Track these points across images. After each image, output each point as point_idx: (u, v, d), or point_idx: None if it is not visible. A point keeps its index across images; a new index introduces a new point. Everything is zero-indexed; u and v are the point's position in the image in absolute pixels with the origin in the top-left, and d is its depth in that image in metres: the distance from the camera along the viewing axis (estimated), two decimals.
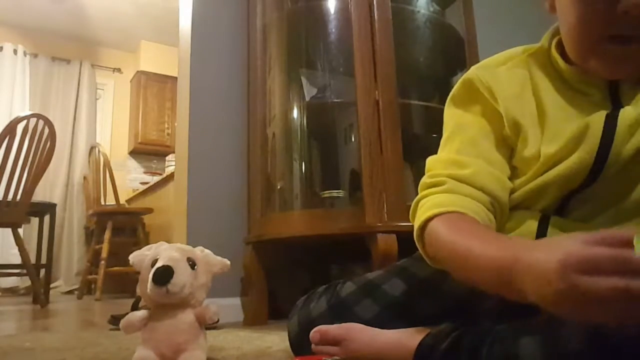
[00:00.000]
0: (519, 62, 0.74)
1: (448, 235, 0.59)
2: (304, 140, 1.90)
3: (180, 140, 1.99)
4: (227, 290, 1.77)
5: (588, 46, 0.63)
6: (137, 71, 5.03)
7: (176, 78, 2.20)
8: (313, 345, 0.74)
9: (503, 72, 0.73)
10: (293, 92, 1.98)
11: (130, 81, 5.20)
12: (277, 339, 1.24)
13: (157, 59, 5.05)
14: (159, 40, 5.01)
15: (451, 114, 0.76)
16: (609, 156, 0.61)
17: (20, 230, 2.82)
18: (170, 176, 3.37)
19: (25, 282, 4.12)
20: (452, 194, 0.65)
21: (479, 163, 0.69)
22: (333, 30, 1.90)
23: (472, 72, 0.75)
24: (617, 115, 0.62)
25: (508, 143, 0.71)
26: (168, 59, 4.87)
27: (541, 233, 0.65)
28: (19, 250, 2.72)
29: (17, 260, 3.00)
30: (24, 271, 2.83)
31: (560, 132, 0.65)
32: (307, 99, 1.91)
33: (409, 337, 0.66)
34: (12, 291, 4.24)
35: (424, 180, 0.71)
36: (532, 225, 0.66)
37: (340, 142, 1.87)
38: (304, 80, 1.95)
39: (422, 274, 0.75)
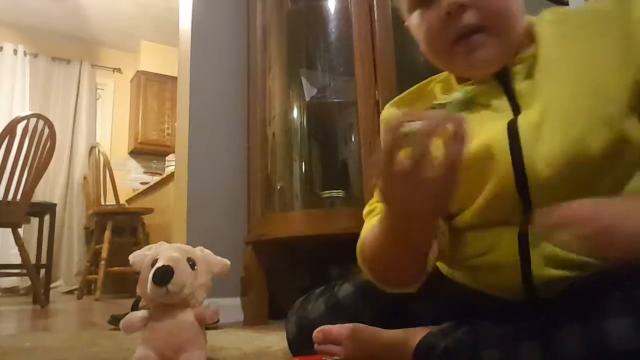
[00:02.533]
0: (423, 95, 0.76)
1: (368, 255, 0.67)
2: (304, 140, 1.90)
3: (180, 140, 1.99)
4: (227, 290, 1.77)
5: (446, 57, 0.66)
6: (137, 71, 5.03)
7: (176, 78, 2.20)
8: (316, 345, 0.74)
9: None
10: (293, 92, 1.98)
11: (130, 81, 5.20)
12: (277, 339, 1.24)
13: (157, 59, 5.05)
14: (159, 40, 5.01)
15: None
16: (526, 168, 0.59)
17: (20, 230, 2.82)
18: (170, 176, 3.37)
19: (25, 282, 4.12)
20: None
21: None
22: (333, 30, 1.90)
23: (387, 110, 0.81)
24: (517, 126, 0.60)
25: None
26: (168, 59, 4.87)
27: (523, 250, 0.60)
28: (19, 250, 2.72)
29: (17, 260, 2.99)
30: (24, 271, 2.82)
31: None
32: (307, 99, 1.91)
33: (411, 337, 0.66)
34: (12, 291, 4.24)
35: (365, 209, 0.76)
36: (512, 244, 0.61)
37: (340, 142, 1.87)
38: (304, 80, 1.95)
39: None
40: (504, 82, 0.65)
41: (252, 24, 2.01)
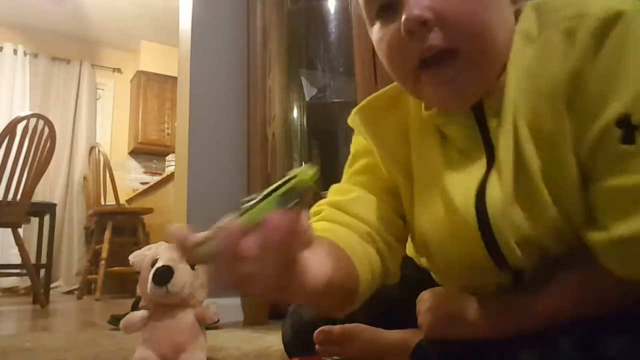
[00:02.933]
0: (398, 104, 0.63)
1: None
2: (304, 140, 1.90)
3: (180, 140, 1.99)
4: (227, 290, 1.77)
5: (409, 85, 0.54)
6: (137, 71, 5.03)
7: (176, 78, 2.20)
8: (317, 346, 0.74)
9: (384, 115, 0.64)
10: (293, 92, 1.98)
11: (130, 81, 5.20)
12: (277, 339, 1.24)
13: (157, 59, 5.05)
14: (159, 40, 5.01)
15: (354, 139, 0.70)
16: (500, 248, 0.51)
17: (20, 230, 2.82)
18: (170, 176, 3.37)
19: (25, 282, 4.11)
20: (325, 221, 0.60)
21: (362, 191, 0.63)
22: (333, 30, 1.90)
23: (352, 118, 0.67)
24: (484, 201, 0.51)
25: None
26: (168, 59, 4.87)
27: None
28: (19, 250, 2.72)
29: (17, 260, 3.00)
30: (24, 271, 2.83)
31: (428, 203, 0.57)
32: (307, 99, 1.91)
33: (410, 338, 0.66)
34: (12, 291, 4.24)
35: (313, 207, 0.66)
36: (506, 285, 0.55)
37: (341, 142, 1.87)
38: (304, 80, 1.95)
39: (417, 275, 0.75)
40: (478, 116, 0.53)
41: (252, 24, 2.01)
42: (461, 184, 0.53)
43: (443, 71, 0.49)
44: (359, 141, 0.68)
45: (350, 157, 0.69)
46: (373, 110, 0.64)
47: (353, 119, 0.65)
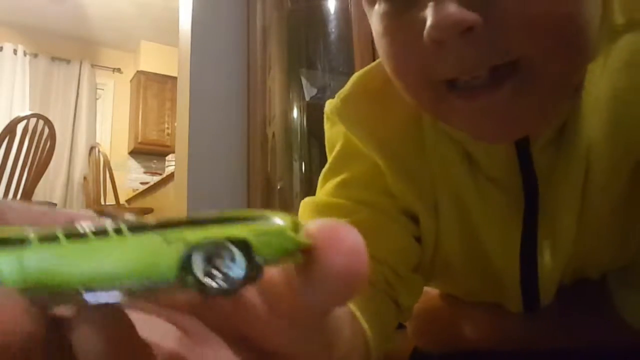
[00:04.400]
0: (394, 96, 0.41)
1: None
2: (304, 140, 1.90)
3: (180, 140, 1.99)
4: None
5: (425, 99, 0.35)
6: (137, 71, 5.02)
7: (176, 78, 2.20)
8: None
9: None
10: (293, 92, 1.98)
11: (130, 81, 5.20)
12: None
13: (157, 59, 5.04)
14: (159, 40, 5.00)
15: (332, 131, 0.48)
16: (539, 299, 0.43)
17: None
18: (170, 176, 3.37)
19: None
20: None
21: (366, 212, 0.42)
22: (333, 30, 1.90)
23: (334, 105, 0.47)
24: (536, 256, 0.41)
25: None
26: (168, 59, 4.87)
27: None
28: None
29: None
30: None
31: (459, 240, 0.43)
32: (307, 99, 1.91)
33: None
34: None
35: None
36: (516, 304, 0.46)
37: None
38: (304, 80, 1.95)
39: None
40: (518, 145, 0.38)
41: (252, 24, 2.01)
42: (500, 232, 0.41)
43: (493, 97, 0.31)
44: (344, 135, 0.45)
45: (333, 158, 0.46)
46: (368, 101, 0.43)
47: (340, 112, 0.44)
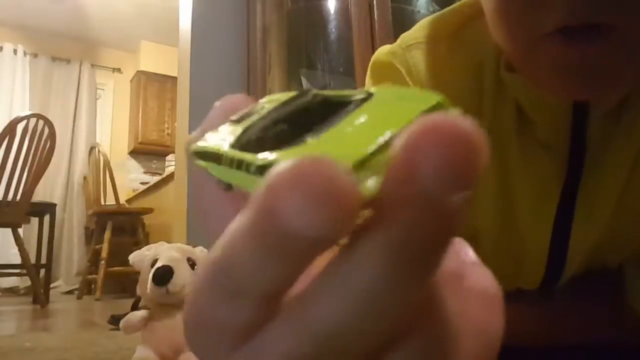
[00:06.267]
0: (465, 34, 0.43)
1: None
2: None
3: (180, 140, 1.99)
4: None
5: (521, 45, 0.34)
6: (137, 71, 5.03)
7: (176, 78, 2.20)
8: None
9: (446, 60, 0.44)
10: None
11: (130, 81, 5.20)
12: None
13: (157, 59, 5.05)
14: (159, 40, 5.00)
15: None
16: (564, 271, 0.44)
17: (20, 230, 2.82)
18: (170, 176, 3.37)
19: (25, 282, 4.11)
20: None
21: None
22: (333, 30, 1.90)
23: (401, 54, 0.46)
24: (569, 226, 0.40)
25: None
26: (168, 59, 4.87)
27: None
28: (19, 250, 2.72)
29: (17, 260, 3.00)
30: (24, 271, 2.83)
31: (486, 209, 0.42)
32: None
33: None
34: (12, 291, 4.23)
35: None
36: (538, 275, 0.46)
37: None
38: (304, 80, 1.95)
39: None
40: (576, 110, 0.38)
41: (252, 24, 2.01)
42: (537, 196, 0.41)
43: (587, 50, 0.31)
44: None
45: None
46: (434, 47, 0.43)
47: (406, 56, 0.43)
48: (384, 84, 0.44)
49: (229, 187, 0.16)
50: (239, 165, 0.13)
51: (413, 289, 0.11)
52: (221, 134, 0.17)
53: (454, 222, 0.10)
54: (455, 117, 0.10)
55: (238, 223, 0.11)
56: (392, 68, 0.45)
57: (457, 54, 0.42)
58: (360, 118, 0.13)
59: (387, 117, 0.12)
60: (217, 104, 0.19)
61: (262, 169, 0.12)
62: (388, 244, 0.10)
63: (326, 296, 0.11)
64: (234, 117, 0.17)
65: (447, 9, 0.44)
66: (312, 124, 0.13)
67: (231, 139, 0.15)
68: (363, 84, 0.51)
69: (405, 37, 0.45)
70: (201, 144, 0.17)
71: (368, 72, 0.49)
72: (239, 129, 0.16)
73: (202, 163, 0.16)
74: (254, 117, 0.16)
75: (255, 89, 1.93)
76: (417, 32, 0.44)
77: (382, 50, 0.47)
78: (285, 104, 0.15)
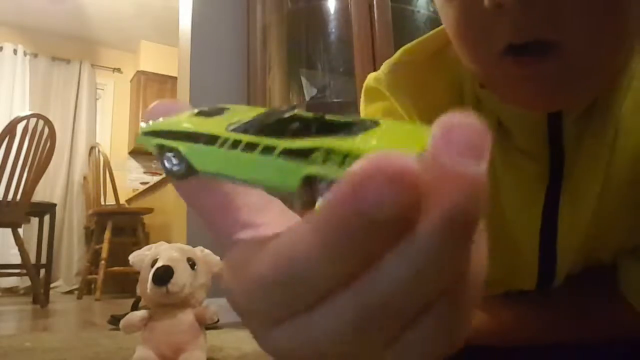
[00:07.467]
0: (443, 60, 0.45)
1: None
2: None
3: None
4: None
5: (481, 65, 0.37)
6: (137, 71, 5.03)
7: (176, 78, 2.20)
8: None
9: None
10: (293, 92, 1.98)
11: (130, 81, 5.20)
12: None
13: (157, 59, 5.05)
14: (159, 40, 5.01)
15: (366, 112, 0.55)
16: (557, 271, 0.45)
17: (20, 230, 2.82)
18: None
19: (25, 282, 4.11)
20: None
21: None
22: (333, 30, 1.90)
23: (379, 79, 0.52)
24: (556, 221, 0.42)
25: None
26: (168, 59, 4.87)
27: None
28: (19, 250, 2.72)
29: (17, 260, 2.99)
30: (24, 271, 2.83)
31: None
32: (307, 99, 1.91)
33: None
34: (12, 291, 4.23)
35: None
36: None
37: None
38: (304, 80, 1.95)
39: None
40: (550, 117, 0.40)
41: (252, 24, 2.01)
42: (523, 201, 0.43)
43: (540, 67, 0.33)
44: (382, 113, 0.49)
45: None
46: (414, 69, 0.46)
47: (388, 80, 0.47)
48: (375, 108, 0.50)
49: (186, 173, 0.17)
50: (250, 147, 0.15)
51: (460, 251, 0.13)
52: (192, 122, 0.18)
53: (482, 194, 0.12)
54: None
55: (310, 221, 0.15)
56: (379, 93, 0.48)
57: (438, 74, 0.45)
58: (376, 135, 0.15)
59: (405, 138, 0.15)
60: (150, 107, 0.20)
61: (290, 152, 0.14)
62: (440, 219, 0.12)
63: (396, 260, 0.13)
64: (201, 110, 0.20)
65: (428, 33, 0.47)
66: (309, 132, 0.15)
67: (225, 125, 0.17)
68: (363, 84, 0.53)
69: (388, 62, 0.48)
70: (168, 121, 0.18)
71: (362, 97, 0.52)
72: (224, 121, 0.17)
73: (161, 141, 0.18)
74: (230, 114, 0.18)
75: (255, 88, 1.93)
76: (399, 57, 0.48)
77: (370, 77, 0.51)
78: (267, 114, 0.17)
